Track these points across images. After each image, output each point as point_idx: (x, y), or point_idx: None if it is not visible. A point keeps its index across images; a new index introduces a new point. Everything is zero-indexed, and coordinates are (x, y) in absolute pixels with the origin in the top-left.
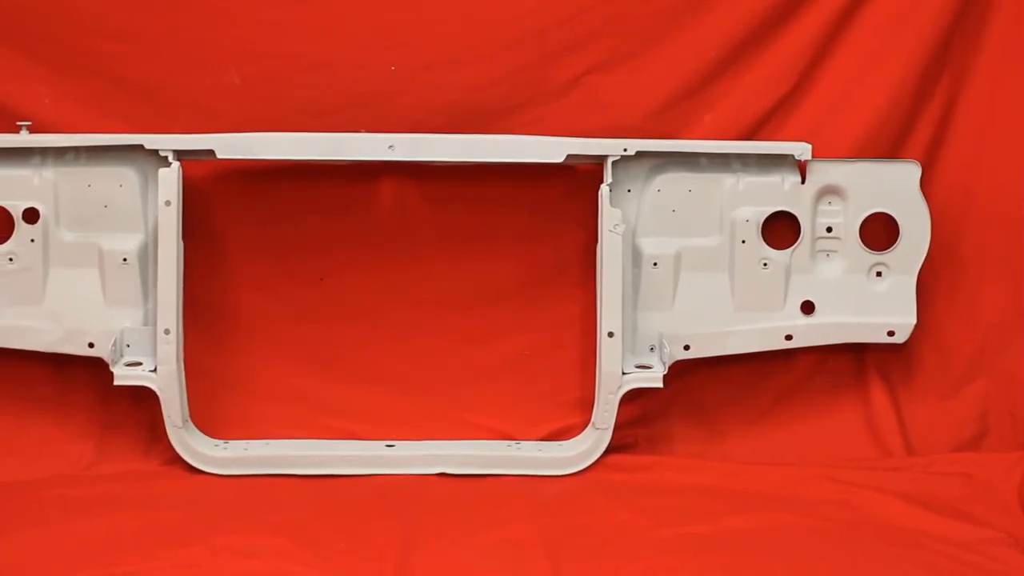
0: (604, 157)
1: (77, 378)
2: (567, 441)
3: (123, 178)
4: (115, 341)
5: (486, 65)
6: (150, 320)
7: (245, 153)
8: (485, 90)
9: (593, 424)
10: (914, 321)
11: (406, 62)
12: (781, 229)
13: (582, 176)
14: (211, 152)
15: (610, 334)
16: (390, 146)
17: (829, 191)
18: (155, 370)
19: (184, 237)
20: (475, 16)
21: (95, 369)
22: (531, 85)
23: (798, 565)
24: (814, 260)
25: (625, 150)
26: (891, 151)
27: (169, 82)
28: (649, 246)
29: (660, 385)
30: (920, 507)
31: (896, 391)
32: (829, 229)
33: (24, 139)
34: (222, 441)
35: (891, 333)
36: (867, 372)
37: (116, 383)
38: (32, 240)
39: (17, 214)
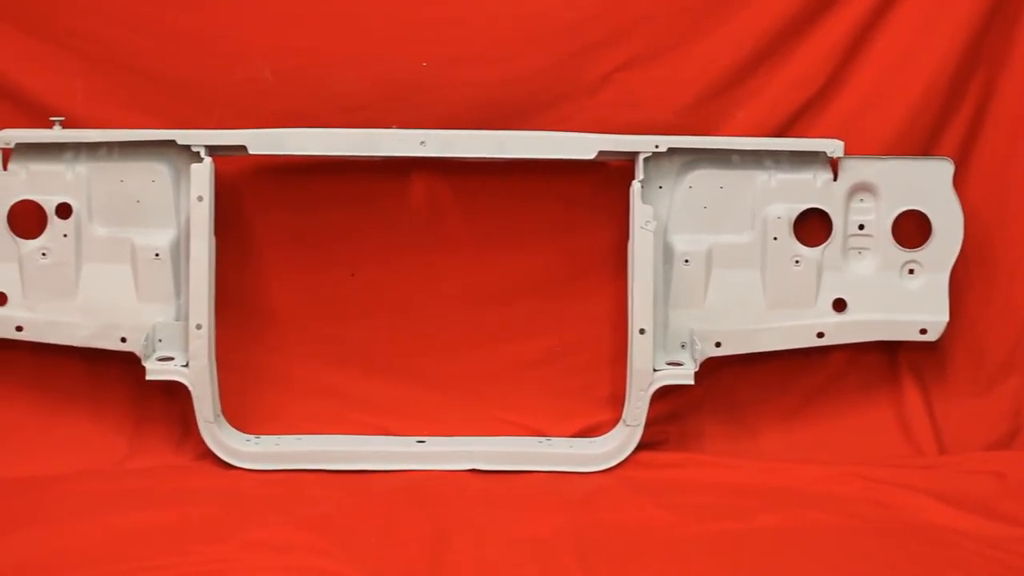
0: (636, 154)
1: (110, 373)
2: (598, 438)
3: (156, 173)
4: (147, 336)
5: (518, 61)
6: (182, 315)
7: (277, 149)
8: (517, 86)
9: (624, 421)
10: (947, 319)
11: (438, 58)
12: (813, 226)
13: (613, 172)
14: (243, 148)
15: (641, 331)
16: (422, 142)
17: (861, 188)
18: (187, 365)
19: (216, 232)
20: (507, 12)
21: (127, 364)
22: (563, 81)
23: (829, 563)
24: (846, 257)
25: (657, 147)
26: (924, 148)
27: (201, 77)
28: (681, 243)
29: (691, 382)
30: (952, 506)
31: (928, 389)
32: (861, 226)
33: (57, 134)
34: (253, 436)
35: (923, 331)
36: (899, 370)
37: (148, 378)
38: (65, 235)
39: (50, 209)
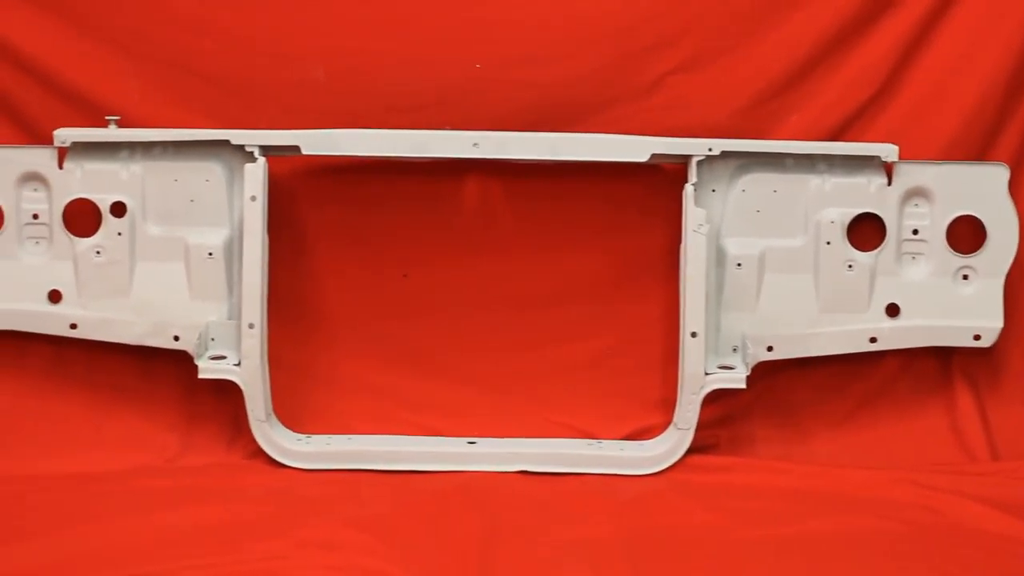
0: (689, 157)
1: (162, 371)
2: (648, 441)
3: (209, 173)
4: (200, 334)
5: (571, 63)
6: (235, 314)
7: (330, 149)
8: (570, 88)
9: (675, 424)
10: (1001, 325)
11: (491, 59)
12: (867, 231)
13: (666, 175)
14: (296, 148)
15: (693, 334)
16: (475, 144)
17: (915, 193)
18: (239, 364)
19: (269, 232)
20: (561, 13)
21: (180, 362)
22: (616, 83)
23: (880, 569)
24: (900, 262)
25: (710, 150)
26: (979, 153)
27: (255, 78)
28: (733, 246)
29: (743, 386)
30: (1004, 512)
31: (982, 395)
32: (915, 231)
33: (112, 133)
34: (305, 435)
35: (977, 337)
36: (952, 376)
37: (200, 376)
38: (119, 233)
39: (105, 208)
